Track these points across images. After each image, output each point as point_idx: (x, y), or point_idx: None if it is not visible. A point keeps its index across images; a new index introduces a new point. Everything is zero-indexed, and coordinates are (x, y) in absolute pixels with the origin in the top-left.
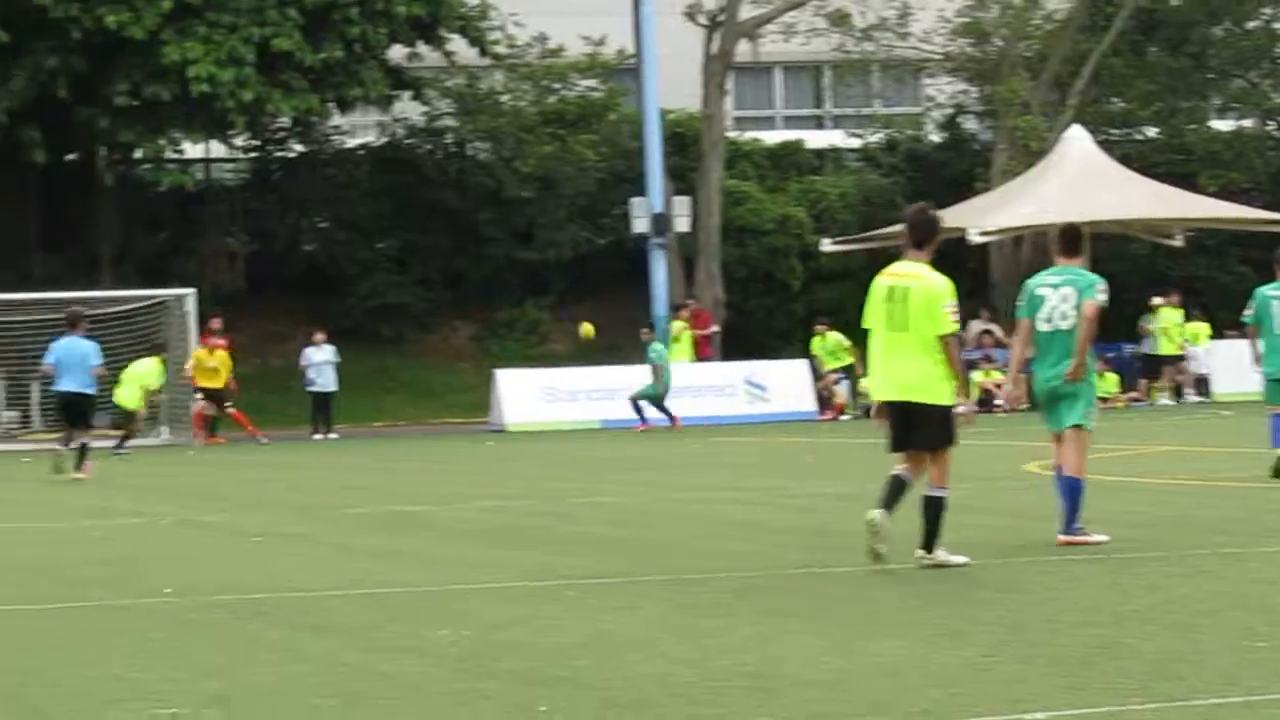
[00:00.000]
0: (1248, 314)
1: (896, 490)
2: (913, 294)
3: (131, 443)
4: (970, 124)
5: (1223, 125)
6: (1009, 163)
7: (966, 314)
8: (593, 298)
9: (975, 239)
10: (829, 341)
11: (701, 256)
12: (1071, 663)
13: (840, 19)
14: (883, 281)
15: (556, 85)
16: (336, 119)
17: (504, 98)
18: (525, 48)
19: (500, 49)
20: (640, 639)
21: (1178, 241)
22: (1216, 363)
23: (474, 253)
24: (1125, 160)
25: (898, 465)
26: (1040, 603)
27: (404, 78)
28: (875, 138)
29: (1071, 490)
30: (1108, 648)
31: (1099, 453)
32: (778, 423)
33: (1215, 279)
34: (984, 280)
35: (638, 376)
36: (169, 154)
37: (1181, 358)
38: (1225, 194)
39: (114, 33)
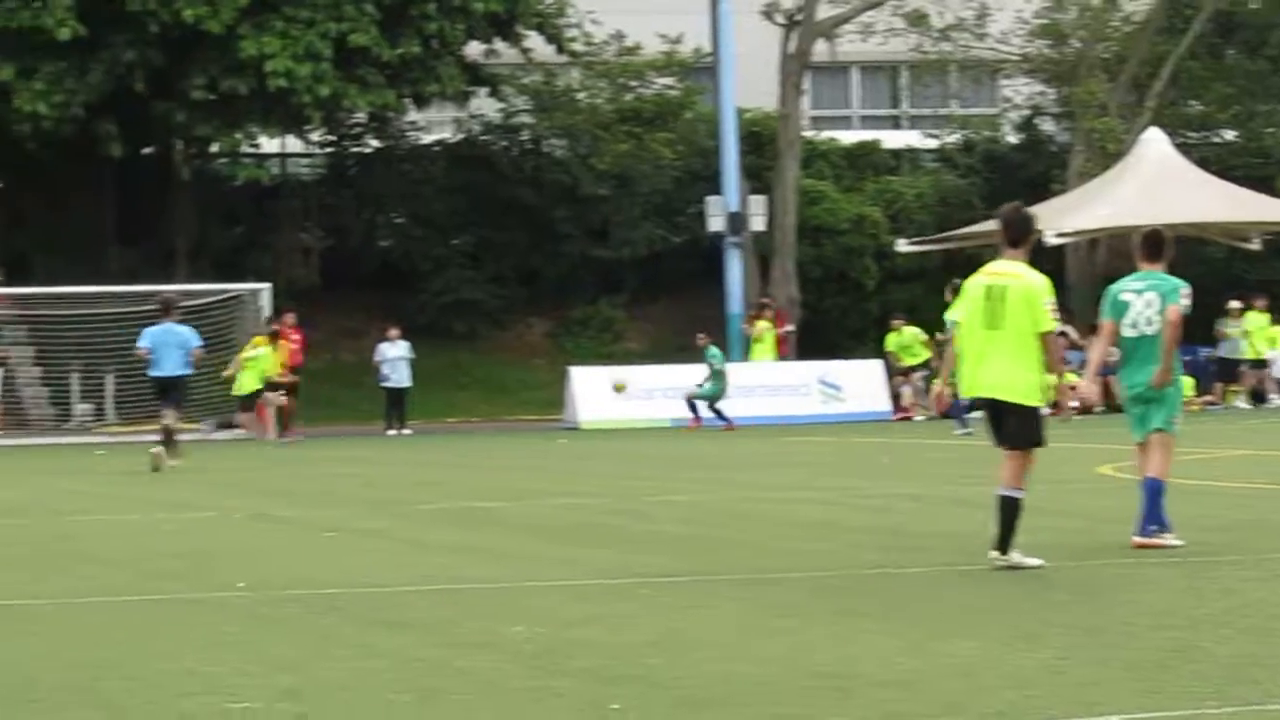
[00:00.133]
0: None
1: (1009, 517)
2: (1010, 292)
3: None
4: (1047, 125)
5: None
6: (1086, 165)
7: None
8: (667, 296)
9: (1051, 241)
10: (905, 336)
11: (776, 256)
12: (1146, 666)
13: (918, 19)
14: (980, 280)
15: (633, 83)
16: (413, 115)
17: (580, 95)
18: (602, 45)
19: (577, 46)
20: (713, 638)
21: (1255, 245)
22: None
23: (549, 250)
24: (1203, 163)
25: (1001, 480)
26: (1115, 605)
27: (480, 74)
28: (952, 138)
29: (1153, 491)
30: (1183, 651)
31: (1176, 456)
32: (852, 423)
33: None
34: (1060, 282)
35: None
36: (245, 148)
37: (1264, 362)
38: None
39: (191, 26)
